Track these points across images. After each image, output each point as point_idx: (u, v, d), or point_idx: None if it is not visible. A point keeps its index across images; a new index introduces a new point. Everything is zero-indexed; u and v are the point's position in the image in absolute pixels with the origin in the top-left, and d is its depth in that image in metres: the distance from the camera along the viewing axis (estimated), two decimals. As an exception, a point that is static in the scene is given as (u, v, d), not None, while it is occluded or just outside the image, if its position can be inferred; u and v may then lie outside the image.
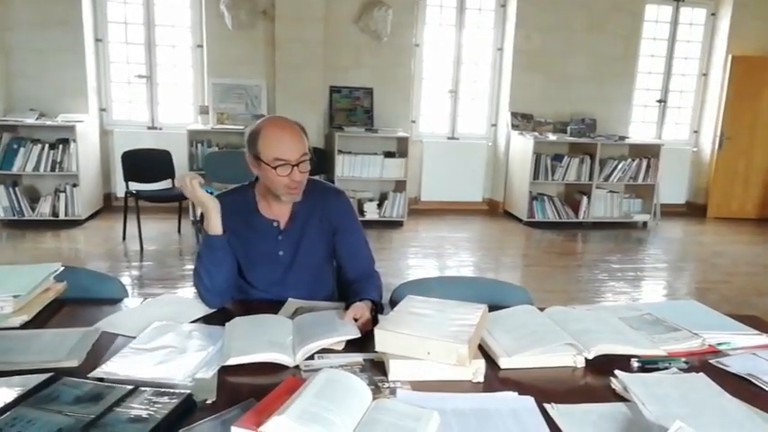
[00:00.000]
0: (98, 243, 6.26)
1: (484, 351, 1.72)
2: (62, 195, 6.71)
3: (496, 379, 1.63)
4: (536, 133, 7.79)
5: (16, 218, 6.60)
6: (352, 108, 7.66)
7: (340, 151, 7.24)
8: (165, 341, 1.76)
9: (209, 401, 1.44)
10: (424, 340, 1.58)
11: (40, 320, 1.93)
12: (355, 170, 7.29)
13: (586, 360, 1.72)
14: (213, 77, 7.40)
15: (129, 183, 6.11)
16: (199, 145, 7.12)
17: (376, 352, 1.65)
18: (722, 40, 8.46)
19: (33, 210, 6.68)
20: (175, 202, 6.56)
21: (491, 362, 1.68)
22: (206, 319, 2.00)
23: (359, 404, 1.33)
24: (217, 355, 1.68)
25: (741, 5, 8.27)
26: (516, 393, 1.54)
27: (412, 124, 8.11)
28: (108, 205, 7.48)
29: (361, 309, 1.91)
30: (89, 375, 1.54)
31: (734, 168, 8.56)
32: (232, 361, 1.60)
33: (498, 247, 6.91)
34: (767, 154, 8.55)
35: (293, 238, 2.24)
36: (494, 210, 8.37)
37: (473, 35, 8.21)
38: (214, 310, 2.08)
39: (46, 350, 1.69)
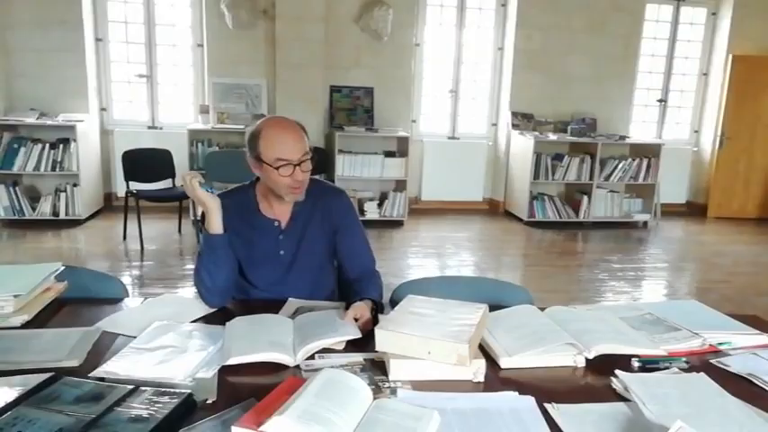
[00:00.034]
0: (99, 243, 6.26)
1: (484, 351, 1.72)
2: (63, 195, 6.71)
3: (497, 379, 1.63)
4: (536, 133, 7.79)
5: (17, 217, 6.60)
6: (352, 107, 7.66)
7: (340, 151, 7.24)
8: (165, 341, 1.76)
9: (209, 401, 1.44)
10: (425, 340, 1.58)
11: (41, 320, 1.93)
12: (356, 170, 7.30)
13: (587, 360, 1.72)
14: (213, 77, 7.40)
15: (130, 182, 6.11)
16: (199, 144, 7.12)
17: (376, 352, 1.65)
18: (723, 39, 8.46)
19: (34, 209, 6.68)
20: (176, 202, 6.57)
21: (491, 362, 1.68)
22: (206, 319, 2.00)
23: (359, 404, 1.33)
24: (217, 354, 1.68)
25: (741, 5, 8.27)
26: (517, 393, 1.54)
27: (412, 124, 8.11)
28: (108, 205, 7.48)
29: (362, 308, 1.91)
30: (90, 375, 1.54)
31: (734, 168, 8.55)
32: (232, 361, 1.60)
33: (499, 246, 6.91)
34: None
35: (294, 238, 2.24)
36: (494, 209, 8.37)
37: (473, 35, 8.20)
38: (214, 310, 2.08)
39: (47, 350, 1.69)
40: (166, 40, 7.54)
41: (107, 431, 1.25)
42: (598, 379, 1.65)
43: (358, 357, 1.70)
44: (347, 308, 1.93)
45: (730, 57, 8.33)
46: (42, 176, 6.85)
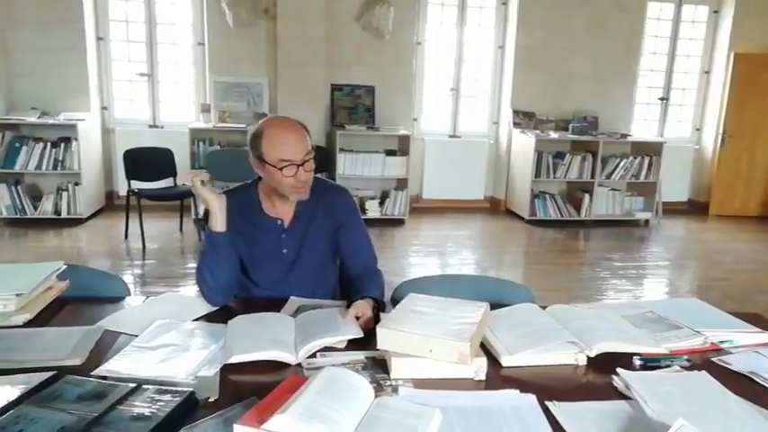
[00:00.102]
0: (100, 241, 6.27)
1: (486, 349, 1.72)
2: (64, 194, 6.72)
3: (498, 377, 1.63)
4: (538, 131, 7.79)
5: (18, 216, 6.61)
6: (353, 106, 7.66)
7: (341, 149, 7.25)
8: (167, 339, 1.76)
9: (211, 399, 1.45)
10: (426, 338, 1.58)
11: (43, 319, 1.93)
12: (357, 168, 7.30)
13: (588, 358, 1.71)
14: (215, 75, 7.40)
15: (131, 181, 6.12)
16: (200, 143, 7.12)
17: (378, 350, 1.65)
18: (724, 37, 8.45)
19: (36, 208, 6.69)
20: (177, 201, 6.58)
21: (493, 360, 1.68)
22: (208, 318, 2.00)
23: (361, 402, 1.33)
24: (219, 353, 1.69)
25: (743, 3, 8.26)
26: (518, 391, 1.54)
27: (413, 122, 8.11)
28: (110, 204, 7.49)
29: (363, 307, 1.91)
30: (92, 373, 1.54)
31: (736, 166, 8.55)
32: (234, 359, 1.61)
33: (500, 245, 6.91)
34: (769, 152, 8.55)
35: (297, 237, 2.24)
36: (495, 208, 8.36)
37: (475, 33, 8.20)
38: (216, 309, 2.08)
39: (49, 348, 1.69)
40: (167, 39, 7.54)
41: (109, 429, 1.25)
42: (599, 377, 1.65)
43: (359, 356, 1.70)
44: (349, 306, 1.93)
45: (732, 55, 8.32)
46: (44, 175, 6.85)
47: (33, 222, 6.63)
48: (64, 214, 6.72)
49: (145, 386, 1.44)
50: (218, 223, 2.09)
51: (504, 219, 7.93)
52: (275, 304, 2.06)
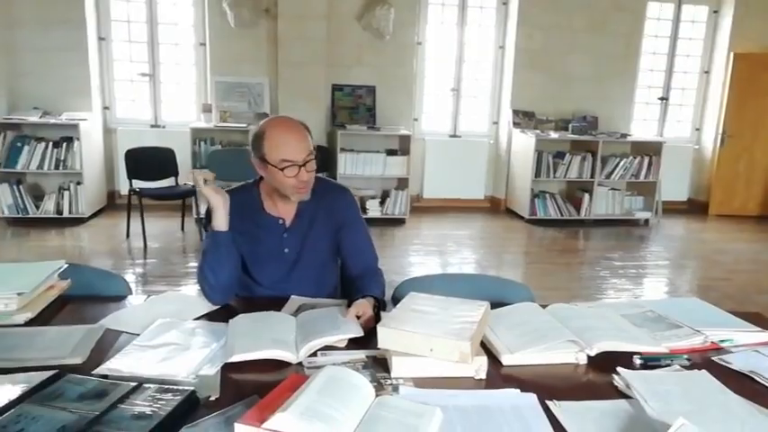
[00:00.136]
0: (102, 241, 6.27)
1: (486, 348, 1.73)
2: (66, 193, 6.73)
3: (499, 376, 1.63)
4: (538, 131, 7.79)
5: (20, 216, 6.62)
6: (354, 106, 7.67)
7: (342, 149, 7.25)
8: (168, 338, 1.76)
9: (212, 398, 1.45)
10: (427, 337, 1.58)
11: (44, 318, 1.94)
12: (357, 168, 7.30)
13: (588, 357, 1.72)
14: (216, 75, 7.40)
15: (133, 181, 6.12)
16: (202, 143, 7.13)
17: (379, 349, 1.65)
18: (724, 37, 8.45)
19: (37, 207, 6.70)
20: (179, 200, 6.59)
21: (493, 359, 1.68)
22: (209, 317, 2.00)
23: (362, 401, 1.34)
24: (220, 352, 1.69)
25: (743, 3, 8.26)
26: (518, 390, 1.54)
27: (414, 122, 8.12)
28: (112, 203, 7.50)
29: (364, 306, 1.91)
30: (93, 372, 1.55)
31: (736, 166, 8.55)
32: (235, 358, 1.61)
33: (500, 244, 6.91)
34: (770, 151, 8.55)
35: (299, 236, 2.25)
36: (496, 207, 8.37)
37: (475, 33, 8.21)
38: (217, 308, 2.08)
39: (50, 347, 1.69)
40: (169, 39, 7.55)
41: (110, 428, 1.25)
42: (600, 376, 1.65)
43: (360, 354, 1.71)
44: (349, 305, 1.94)
45: (732, 54, 8.32)
46: (46, 175, 6.86)
47: (35, 222, 6.64)
48: (66, 214, 6.73)
49: (146, 385, 1.45)
50: (221, 222, 2.10)
51: (505, 218, 7.93)
52: (276, 303, 2.06)
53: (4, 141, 6.53)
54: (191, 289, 4.78)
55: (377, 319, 1.86)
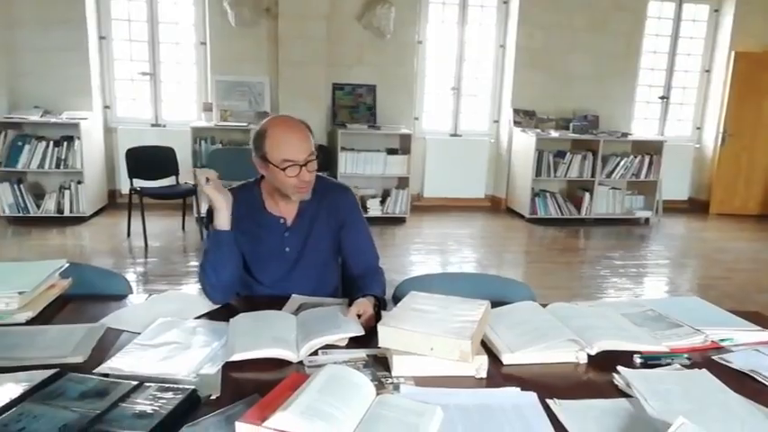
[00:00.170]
0: (103, 240, 6.28)
1: (487, 347, 1.73)
2: (67, 192, 6.73)
3: (499, 375, 1.63)
4: (538, 130, 7.79)
5: (21, 215, 6.63)
6: (354, 105, 7.67)
7: (343, 148, 7.25)
8: (169, 337, 1.77)
9: (213, 397, 1.45)
10: (427, 336, 1.58)
11: (46, 317, 1.94)
12: (358, 167, 7.31)
13: (589, 356, 1.72)
14: (217, 74, 7.40)
15: (134, 180, 6.12)
16: (202, 142, 7.13)
17: (379, 348, 1.66)
18: (725, 36, 8.45)
19: (38, 206, 6.70)
20: (179, 199, 6.59)
21: (494, 358, 1.69)
22: (210, 316, 2.01)
23: (362, 400, 1.34)
24: (221, 350, 1.69)
25: (744, 1, 8.25)
26: (519, 389, 1.54)
27: (415, 121, 8.11)
28: (112, 202, 7.50)
29: (365, 305, 1.92)
30: (94, 371, 1.55)
31: (736, 165, 8.55)
32: (236, 357, 1.61)
33: (501, 243, 6.91)
34: (770, 150, 8.55)
35: (300, 235, 2.25)
36: (496, 206, 8.37)
37: (476, 32, 8.20)
38: (218, 307, 2.08)
39: (51, 346, 1.69)
40: (169, 38, 7.55)
41: (112, 427, 1.26)
42: (600, 375, 1.65)
43: (361, 353, 1.71)
44: (350, 304, 1.94)
45: (732, 53, 8.32)
46: (47, 174, 6.86)
47: (36, 221, 6.64)
48: (66, 213, 6.73)
49: (147, 384, 1.45)
50: (224, 222, 2.10)
51: (505, 217, 7.93)
52: (277, 302, 2.07)
53: (4, 140, 6.53)
54: (191, 288, 4.79)
55: (377, 318, 1.86)
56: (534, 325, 1.84)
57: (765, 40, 8.33)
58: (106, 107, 7.51)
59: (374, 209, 7.32)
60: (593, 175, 7.70)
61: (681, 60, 8.70)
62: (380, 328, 1.63)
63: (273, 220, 2.24)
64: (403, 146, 7.53)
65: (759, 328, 1.94)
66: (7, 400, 1.34)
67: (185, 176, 6.57)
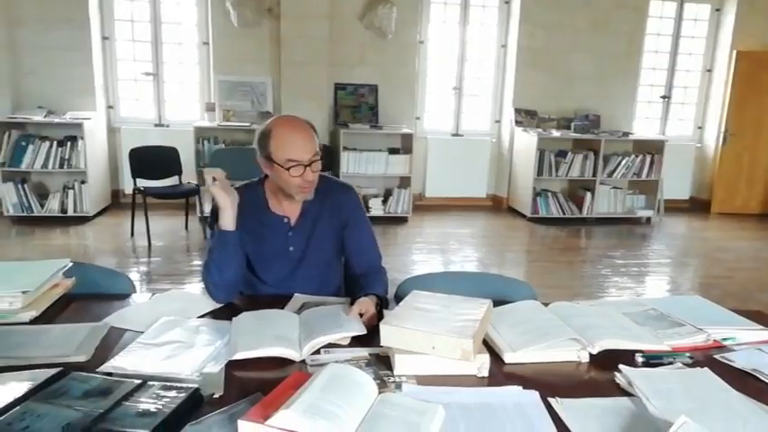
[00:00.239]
0: (106, 239, 6.29)
1: (488, 346, 1.73)
2: (70, 192, 6.74)
3: (501, 373, 1.63)
4: (540, 129, 7.79)
5: (25, 214, 6.64)
6: (356, 105, 7.67)
7: (345, 148, 7.26)
8: (172, 336, 1.77)
9: (216, 395, 1.45)
10: (429, 335, 1.59)
11: (49, 316, 1.95)
12: (360, 167, 7.31)
13: (591, 355, 1.72)
14: (219, 75, 7.41)
15: (137, 179, 6.12)
16: (205, 142, 7.15)
17: (381, 347, 1.66)
18: (727, 35, 8.44)
19: (42, 206, 6.71)
20: (183, 199, 6.59)
21: (496, 356, 1.69)
22: (213, 315, 2.01)
23: (364, 398, 1.34)
24: (224, 349, 1.70)
25: (745, 0, 8.24)
26: (521, 388, 1.54)
27: (416, 121, 8.11)
28: (116, 202, 7.51)
29: (367, 304, 1.92)
30: (98, 370, 1.55)
31: (738, 164, 8.54)
32: (239, 355, 1.62)
33: (502, 242, 6.91)
34: (772, 150, 8.54)
35: (303, 235, 2.25)
36: (498, 206, 8.37)
37: (477, 32, 8.20)
38: (221, 306, 2.08)
39: (55, 345, 1.70)
40: (172, 39, 7.56)
41: (115, 425, 1.26)
42: (602, 374, 1.65)
43: (363, 352, 1.71)
44: (352, 303, 1.94)
45: (734, 53, 8.31)
46: (50, 174, 6.88)
47: (40, 220, 6.66)
48: (70, 212, 6.74)
49: (150, 382, 1.45)
50: (229, 222, 2.09)
51: (507, 216, 7.93)
52: (280, 301, 2.07)
53: (8, 140, 6.54)
54: (195, 287, 4.79)
55: (379, 316, 1.86)
56: (536, 324, 1.84)
57: (767, 40, 8.32)
58: (109, 107, 7.52)
59: (376, 208, 7.33)
60: (594, 175, 7.69)
61: (682, 60, 8.69)
62: (382, 326, 1.63)
63: (277, 219, 2.25)
64: (405, 145, 7.53)
65: (761, 327, 1.94)
66: (11, 399, 1.34)
67: (189, 176, 6.59)
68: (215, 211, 2.15)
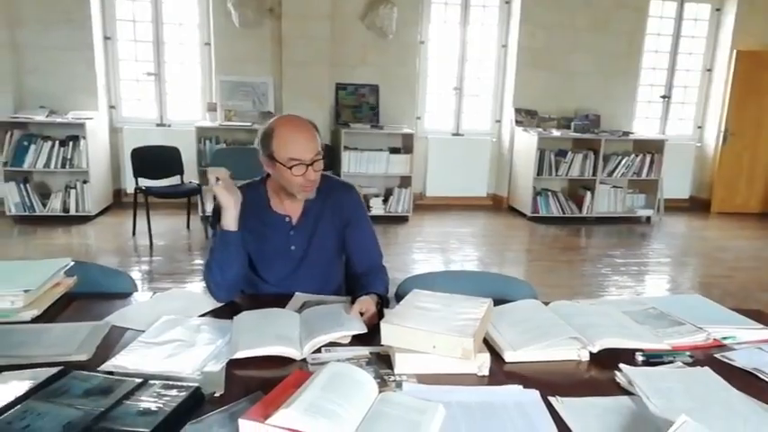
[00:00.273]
0: (108, 239, 6.30)
1: (489, 345, 1.73)
2: (72, 191, 6.75)
3: (501, 372, 1.64)
4: (540, 129, 7.79)
5: (27, 214, 6.64)
6: (357, 105, 7.68)
7: (346, 147, 7.26)
8: (173, 335, 1.77)
9: (217, 394, 1.46)
10: (430, 334, 1.59)
11: (51, 315, 1.95)
12: (361, 166, 7.32)
13: (591, 354, 1.72)
14: (221, 75, 7.41)
15: (139, 179, 6.13)
16: (207, 142, 7.15)
17: (382, 345, 1.67)
18: (727, 35, 8.43)
19: (44, 206, 6.72)
20: (184, 198, 6.61)
21: (496, 355, 1.69)
22: (214, 313, 2.02)
23: (365, 397, 1.35)
24: (225, 348, 1.70)
25: (746, 1, 8.24)
26: (521, 387, 1.54)
27: (417, 121, 8.11)
28: (118, 201, 7.52)
29: (367, 303, 1.92)
30: (99, 369, 1.56)
31: (738, 163, 8.54)
32: (240, 354, 1.62)
33: (502, 241, 6.91)
34: (772, 149, 8.54)
35: (305, 234, 2.26)
36: (498, 205, 8.37)
37: (478, 32, 8.20)
38: (222, 305, 2.09)
39: (56, 344, 1.70)
40: (174, 39, 7.56)
41: (116, 424, 1.26)
42: (602, 373, 1.66)
43: (364, 351, 1.71)
44: (353, 302, 1.94)
45: (734, 52, 8.31)
46: (52, 173, 6.88)
47: (42, 220, 6.66)
48: (72, 212, 6.75)
49: (151, 381, 1.46)
50: (231, 222, 2.09)
51: (507, 216, 7.93)
52: (281, 300, 2.08)
53: (10, 140, 6.54)
54: (196, 286, 4.79)
55: (380, 315, 1.86)
56: (536, 323, 1.84)
57: (767, 40, 8.32)
58: (111, 107, 7.52)
59: (377, 208, 7.34)
60: (594, 174, 7.70)
61: (682, 59, 8.69)
62: (383, 325, 1.63)
63: (279, 218, 2.25)
64: (405, 145, 7.53)
65: (761, 326, 1.94)
66: (12, 398, 1.34)
67: (190, 176, 6.60)
68: (217, 211, 2.15)
